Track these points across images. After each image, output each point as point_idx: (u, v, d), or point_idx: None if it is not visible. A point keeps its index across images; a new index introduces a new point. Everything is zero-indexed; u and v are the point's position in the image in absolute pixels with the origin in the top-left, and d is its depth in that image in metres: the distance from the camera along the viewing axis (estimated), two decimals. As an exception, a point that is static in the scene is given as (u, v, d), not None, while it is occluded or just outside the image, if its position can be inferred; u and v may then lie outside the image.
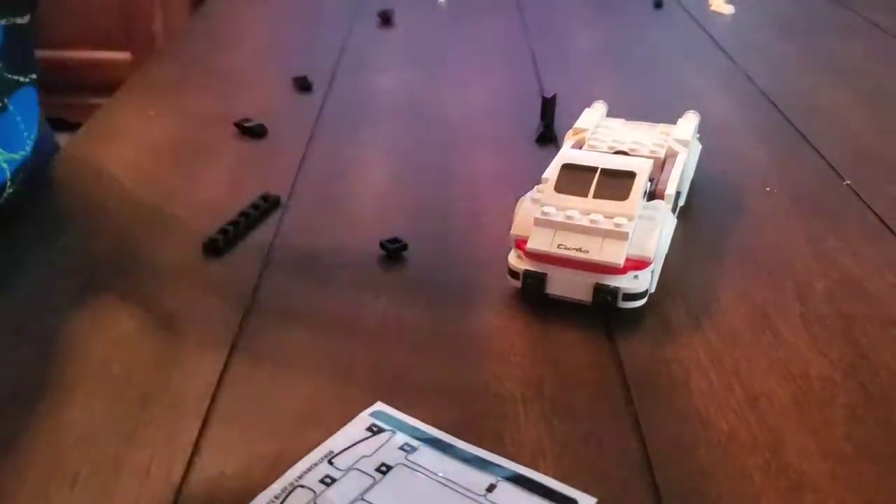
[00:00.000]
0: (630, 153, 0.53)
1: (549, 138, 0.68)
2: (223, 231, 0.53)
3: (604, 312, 0.46)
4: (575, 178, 0.46)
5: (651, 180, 0.50)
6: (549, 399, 0.40)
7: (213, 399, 0.40)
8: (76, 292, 0.48)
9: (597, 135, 0.56)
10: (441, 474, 0.35)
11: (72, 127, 0.69)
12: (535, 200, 0.48)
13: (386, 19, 1.00)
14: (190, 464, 0.36)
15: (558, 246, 0.45)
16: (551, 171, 0.48)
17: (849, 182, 0.62)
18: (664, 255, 0.49)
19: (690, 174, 0.57)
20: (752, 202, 0.59)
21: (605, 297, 0.44)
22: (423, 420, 0.38)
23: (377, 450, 0.36)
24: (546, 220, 0.45)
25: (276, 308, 0.47)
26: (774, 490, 0.35)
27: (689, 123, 0.58)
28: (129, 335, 0.44)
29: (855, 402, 0.40)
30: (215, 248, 0.52)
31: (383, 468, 0.35)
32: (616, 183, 0.46)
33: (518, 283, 0.47)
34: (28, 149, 0.56)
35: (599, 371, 0.42)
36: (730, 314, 0.47)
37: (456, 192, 0.60)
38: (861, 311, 0.47)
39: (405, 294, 0.48)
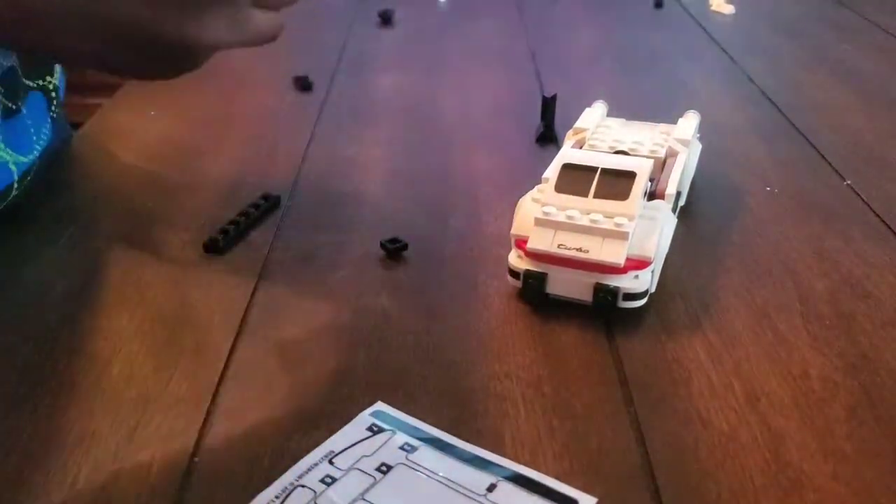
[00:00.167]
0: (630, 153, 0.53)
1: (549, 138, 0.68)
2: (224, 230, 0.53)
3: (604, 312, 0.46)
4: (575, 178, 0.46)
5: (651, 180, 0.50)
6: (550, 399, 0.40)
7: (214, 399, 0.40)
8: (77, 291, 0.48)
9: (597, 134, 0.56)
10: (441, 474, 0.35)
11: (72, 127, 0.69)
12: (535, 200, 0.48)
13: (386, 19, 1.00)
14: (190, 464, 0.36)
15: (559, 246, 0.45)
16: (552, 171, 0.48)
17: (849, 182, 0.62)
18: (664, 255, 0.49)
19: (691, 174, 0.57)
20: (753, 202, 0.59)
21: (606, 297, 0.44)
22: (424, 420, 0.38)
23: (377, 449, 0.36)
24: (546, 219, 0.45)
25: (277, 307, 0.47)
26: (775, 490, 0.35)
27: (689, 123, 0.58)
28: (130, 334, 0.44)
29: (855, 402, 0.40)
30: (216, 247, 0.52)
31: (384, 468, 0.35)
32: (616, 183, 0.46)
33: (518, 283, 0.47)
34: (36, 152, 0.57)
35: (599, 371, 0.42)
36: (730, 314, 0.47)
37: (456, 192, 0.60)
38: (861, 311, 0.47)
39: (405, 294, 0.48)
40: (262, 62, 0.88)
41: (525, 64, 0.88)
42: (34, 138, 0.56)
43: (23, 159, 0.55)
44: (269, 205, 0.57)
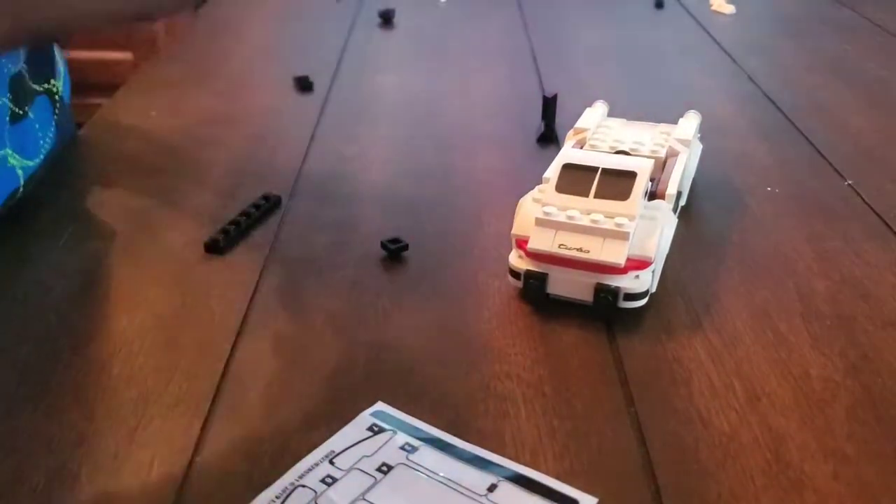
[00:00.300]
0: (631, 153, 0.53)
1: (549, 138, 0.68)
2: (224, 230, 0.53)
3: (605, 312, 0.46)
4: (576, 178, 0.46)
5: (652, 180, 0.50)
6: (550, 399, 0.40)
7: (214, 399, 0.40)
8: (77, 291, 0.48)
9: (598, 134, 0.56)
10: (442, 474, 0.35)
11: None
12: (536, 200, 0.48)
13: (387, 19, 1.00)
14: (191, 463, 0.36)
15: (559, 246, 0.44)
16: (552, 171, 0.48)
17: (850, 182, 0.62)
18: (665, 255, 0.49)
19: (691, 174, 0.57)
20: (753, 202, 0.59)
21: (606, 297, 0.44)
22: (424, 420, 0.38)
23: (378, 450, 0.36)
24: (547, 219, 0.45)
25: (277, 307, 0.47)
26: (775, 490, 0.35)
27: (690, 123, 0.58)
28: (131, 334, 0.44)
29: (856, 402, 0.40)
30: (217, 247, 0.52)
31: (384, 468, 0.35)
32: (617, 183, 0.46)
33: (519, 283, 0.47)
34: (42, 156, 0.57)
35: (600, 371, 0.42)
36: (731, 314, 0.47)
37: (457, 192, 0.60)
38: (862, 311, 0.47)
39: (406, 294, 0.48)
40: (262, 62, 0.88)
41: (526, 64, 0.88)
42: (40, 142, 0.57)
43: (29, 163, 0.55)
44: (269, 205, 0.57)
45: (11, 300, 0.47)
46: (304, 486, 0.34)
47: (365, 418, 0.38)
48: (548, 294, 0.46)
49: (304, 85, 0.79)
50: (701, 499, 0.35)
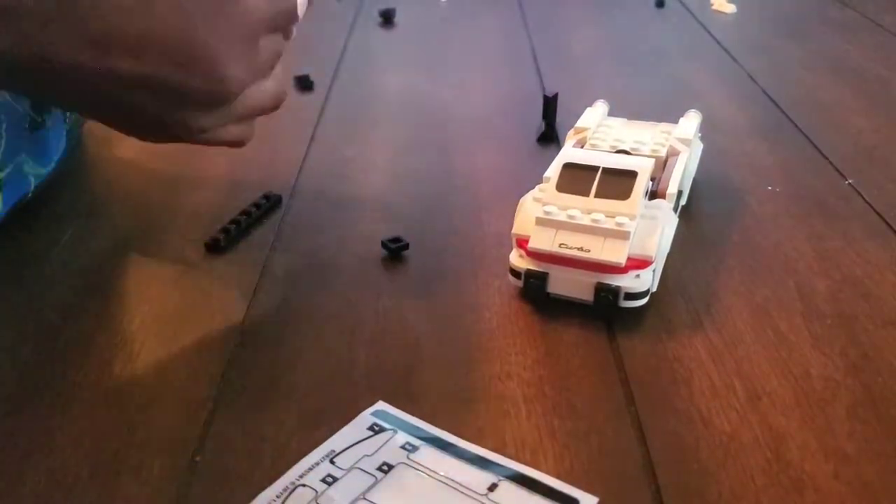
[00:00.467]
0: (632, 152, 0.53)
1: (550, 137, 0.68)
2: (225, 230, 0.53)
3: (605, 312, 0.46)
4: (576, 178, 0.46)
5: (653, 179, 0.50)
6: (551, 398, 0.40)
7: (215, 398, 0.40)
8: (78, 291, 0.48)
9: (598, 134, 0.56)
10: (442, 473, 0.35)
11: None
12: (536, 200, 0.48)
13: (387, 18, 1.00)
14: (192, 463, 0.36)
15: (560, 245, 0.45)
16: (553, 171, 0.48)
17: (851, 181, 0.62)
18: (666, 255, 0.49)
19: (692, 173, 0.57)
20: (754, 201, 0.59)
21: (607, 297, 0.44)
22: (425, 419, 0.38)
23: (378, 449, 0.36)
24: (548, 219, 0.45)
25: (278, 307, 0.47)
26: (776, 490, 0.35)
27: (690, 122, 0.58)
28: (131, 334, 0.44)
29: (857, 401, 0.40)
30: (217, 246, 0.52)
31: (385, 467, 0.35)
32: (618, 182, 0.46)
33: (520, 283, 0.47)
34: (54, 163, 0.57)
35: (601, 370, 0.42)
36: (731, 313, 0.47)
37: (457, 192, 0.60)
38: (863, 311, 0.47)
39: (406, 293, 0.48)
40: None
41: (526, 63, 0.88)
42: (53, 150, 0.57)
43: (42, 171, 0.55)
44: (270, 204, 0.57)
45: (12, 299, 0.47)
46: (304, 485, 0.34)
47: (365, 417, 0.38)
48: (548, 293, 0.46)
49: (304, 84, 0.79)
50: (701, 498, 0.35)
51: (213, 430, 0.38)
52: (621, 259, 0.44)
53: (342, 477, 0.35)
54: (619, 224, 0.44)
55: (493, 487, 0.34)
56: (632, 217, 0.44)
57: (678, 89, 0.81)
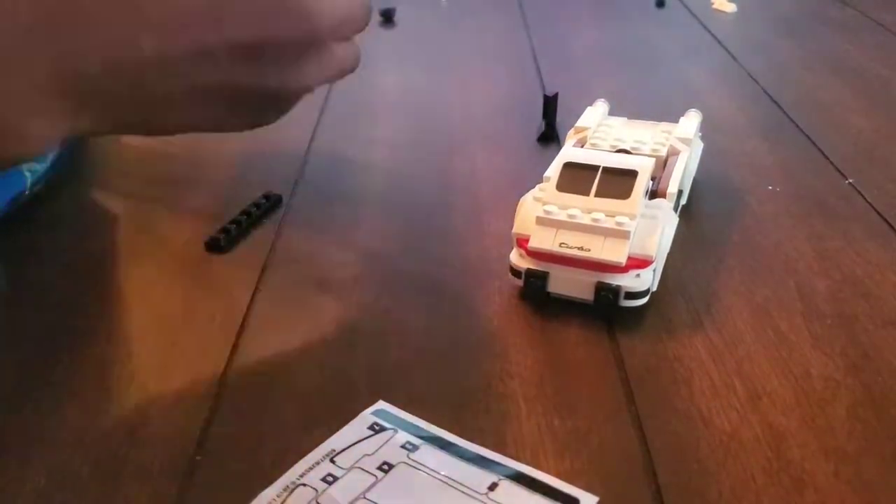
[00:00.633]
0: (632, 152, 0.53)
1: (550, 137, 0.68)
2: (225, 229, 0.53)
3: (605, 311, 0.46)
4: (577, 177, 0.46)
5: (653, 179, 0.50)
6: (551, 397, 0.40)
7: (216, 398, 0.40)
8: (77, 291, 0.48)
9: (598, 133, 0.56)
10: (443, 473, 0.35)
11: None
12: (536, 199, 0.48)
13: (388, 18, 1.00)
14: (192, 463, 0.36)
15: (560, 244, 0.45)
16: (553, 170, 0.48)
17: (851, 181, 0.62)
18: (666, 254, 0.48)
19: (692, 173, 0.57)
20: (754, 201, 0.59)
21: (607, 296, 0.44)
22: (425, 418, 0.38)
23: (379, 448, 0.36)
24: (548, 218, 0.45)
25: (278, 306, 0.47)
26: (776, 489, 0.35)
27: (690, 122, 0.58)
28: (131, 333, 0.44)
29: (857, 401, 0.40)
30: (217, 246, 0.52)
31: (385, 467, 0.35)
32: (618, 181, 0.46)
33: (520, 282, 0.47)
34: (49, 160, 0.57)
35: (601, 370, 0.42)
36: (731, 313, 0.47)
37: (457, 191, 0.60)
38: (863, 310, 0.47)
39: (407, 292, 0.48)
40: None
41: (526, 62, 0.87)
42: None
43: (37, 167, 0.55)
44: (270, 204, 0.57)
45: (12, 299, 0.47)
46: (305, 484, 0.34)
47: (366, 417, 0.38)
48: (549, 293, 0.46)
49: None
50: (702, 498, 0.35)
51: (213, 430, 0.38)
52: (621, 258, 0.44)
53: (342, 476, 0.35)
54: (619, 223, 0.44)
55: (493, 487, 0.34)
56: (632, 216, 0.44)
57: (678, 89, 0.81)
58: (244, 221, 0.54)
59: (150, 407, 0.39)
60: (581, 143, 0.55)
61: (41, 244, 0.53)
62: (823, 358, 0.43)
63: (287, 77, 0.36)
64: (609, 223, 0.44)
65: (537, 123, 0.69)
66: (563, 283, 0.45)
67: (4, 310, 0.46)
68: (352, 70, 0.41)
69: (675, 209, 0.51)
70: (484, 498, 0.34)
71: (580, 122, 0.58)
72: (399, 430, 0.37)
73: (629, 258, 0.44)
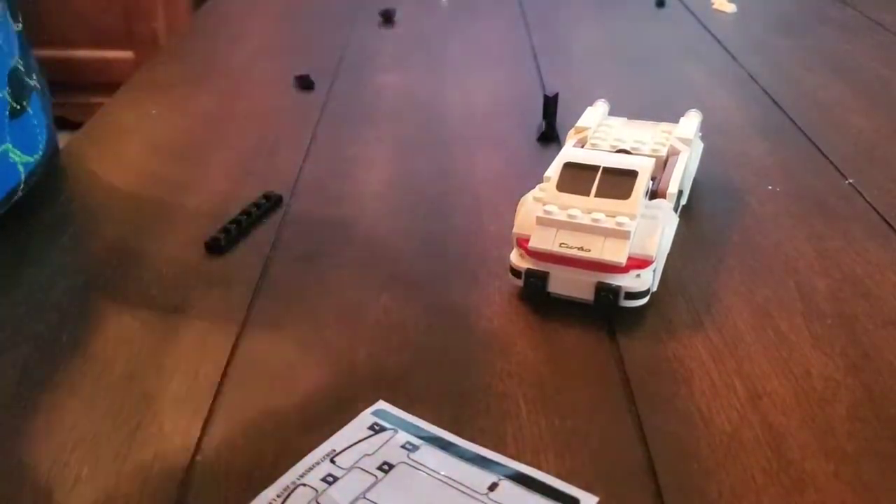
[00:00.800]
0: (632, 152, 0.53)
1: (550, 137, 0.68)
2: (225, 229, 0.53)
3: (606, 311, 0.46)
4: (577, 177, 0.46)
5: (653, 179, 0.50)
6: (551, 398, 0.40)
7: (215, 398, 0.40)
8: (78, 291, 0.48)
9: (599, 133, 0.56)
10: (443, 473, 0.35)
11: (74, 126, 0.70)
12: (537, 199, 0.48)
13: (388, 18, 1.00)
14: (192, 463, 0.36)
15: (560, 245, 0.45)
16: (553, 170, 0.48)
17: (851, 181, 0.62)
18: (666, 254, 0.49)
19: (692, 173, 0.57)
20: (754, 201, 0.59)
21: (607, 296, 0.44)
22: (425, 419, 0.38)
23: (379, 448, 0.36)
24: (548, 218, 0.45)
25: (278, 306, 0.47)
26: (776, 489, 0.35)
27: (691, 122, 0.58)
28: (131, 334, 0.45)
29: (857, 401, 0.40)
30: (217, 246, 0.52)
31: (385, 467, 0.35)
32: (618, 182, 0.46)
33: (520, 282, 0.47)
34: (41, 152, 0.57)
35: (601, 370, 0.42)
36: (732, 313, 0.47)
37: (457, 191, 0.60)
38: (863, 310, 0.47)
39: (407, 292, 0.48)
40: (263, 61, 0.88)
41: (527, 63, 0.88)
42: (38, 138, 0.57)
43: (29, 159, 0.55)
44: (270, 204, 0.57)
45: (12, 299, 0.47)
46: (305, 484, 0.34)
47: (366, 417, 0.38)
48: (549, 293, 0.46)
49: (304, 84, 0.79)
50: (702, 498, 0.35)
51: (213, 430, 0.38)
52: (622, 258, 0.44)
53: (343, 476, 0.35)
54: (619, 223, 0.44)
55: (493, 487, 0.34)
56: (632, 217, 0.44)
57: (678, 89, 0.81)
58: (244, 221, 0.54)
59: (149, 407, 0.39)
60: (581, 144, 0.55)
61: (41, 244, 0.53)
62: (823, 358, 0.43)
63: None
64: (609, 223, 0.44)
65: (537, 123, 0.69)
66: (564, 284, 0.45)
67: (4, 310, 0.46)
68: None
69: (676, 209, 0.51)
70: (484, 498, 0.34)
71: (580, 123, 0.58)
72: (399, 430, 0.37)
73: (629, 258, 0.44)
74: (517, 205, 0.49)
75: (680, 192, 0.52)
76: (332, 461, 0.35)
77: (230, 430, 0.38)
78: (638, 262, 0.44)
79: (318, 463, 0.35)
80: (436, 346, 0.44)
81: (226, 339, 0.44)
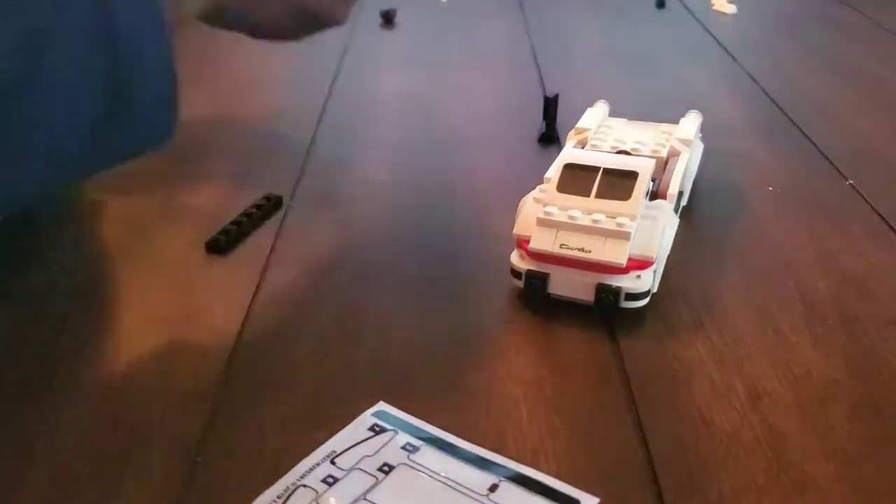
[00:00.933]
0: (632, 153, 0.53)
1: (551, 138, 0.68)
2: (226, 230, 0.53)
3: (606, 312, 0.46)
4: (577, 178, 0.46)
5: (653, 180, 0.50)
6: (551, 399, 0.40)
7: (216, 399, 0.40)
8: (79, 292, 0.48)
9: (599, 134, 0.56)
10: (443, 474, 0.35)
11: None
12: (537, 200, 0.48)
13: (388, 19, 1.00)
14: (193, 463, 0.36)
15: (560, 246, 0.45)
16: (553, 171, 0.48)
17: (851, 182, 0.62)
18: (666, 255, 0.48)
19: (693, 174, 0.57)
20: (755, 202, 0.59)
21: (608, 297, 0.44)
22: (426, 420, 0.38)
23: (379, 449, 0.36)
24: (548, 219, 0.45)
25: (279, 308, 0.47)
26: (777, 490, 0.35)
27: (691, 123, 0.58)
28: (132, 334, 0.44)
29: (857, 401, 0.40)
30: (218, 247, 0.52)
31: (385, 468, 0.35)
32: (618, 183, 0.46)
33: (520, 283, 0.47)
34: None
35: (601, 371, 0.42)
36: (732, 314, 0.47)
37: (458, 192, 0.60)
38: (864, 311, 0.47)
39: (407, 293, 0.48)
40: (263, 62, 0.88)
41: (527, 64, 0.88)
42: None
43: None
44: (271, 205, 0.57)
45: (13, 300, 0.47)
46: (305, 485, 0.34)
47: (366, 418, 0.38)
48: (549, 294, 0.46)
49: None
50: (702, 498, 0.35)
51: (213, 431, 0.38)
52: (622, 259, 0.44)
53: (343, 478, 0.35)
54: (619, 224, 0.44)
55: (493, 488, 0.34)
56: (632, 218, 0.44)
57: (679, 90, 0.81)
58: (245, 222, 0.54)
59: (150, 408, 0.39)
60: (582, 144, 0.55)
61: (43, 245, 0.53)
62: (824, 358, 0.43)
63: (342, 13, 0.52)
64: (609, 224, 0.44)
65: (538, 124, 0.69)
66: (564, 285, 0.45)
67: (5, 311, 0.46)
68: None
69: (676, 210, 0.51)
70: (484, 499, 0.34)
71: (581, 123, 0.58)
72: (399, 432, 0.37)
73: (630, 259, 0.44)
74: (517, 206, 0.49)
75: (680, 193, 0.52)
76: (333, 462, 0.35)
77: (231, 431, 0.38)
78: (638, 263, 0.44)
79: (318, 464, 0.35)
80: (436, 348, 0.44)
81: (226, 340, 0.44)
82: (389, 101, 0.78)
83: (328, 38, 0.94)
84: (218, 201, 0.58)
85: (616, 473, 0.36)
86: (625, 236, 0.44)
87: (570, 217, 0.45)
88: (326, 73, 0.84)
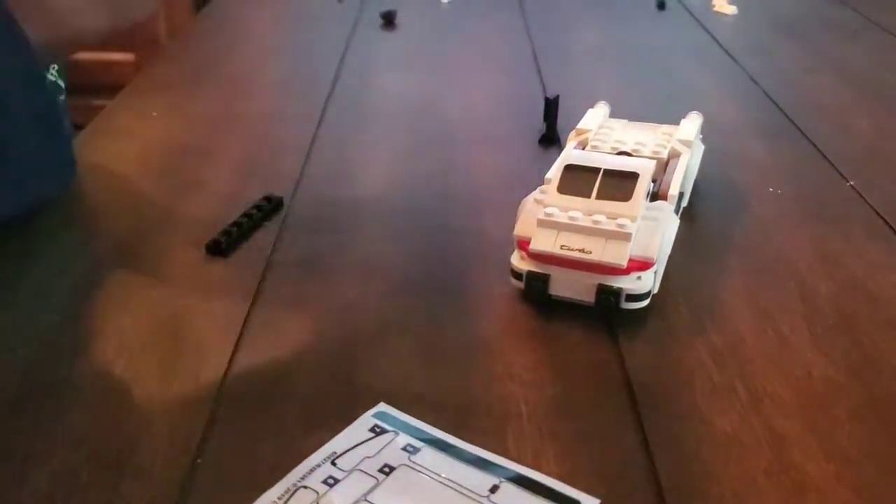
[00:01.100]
0: (633, 154, 0.53)
1: (551, 139, 0.68)
2: (226, 232, 0.53)
3: (607, 313, 0.46)
4: (578, 179, 0.46)
5: (654, 181, 0.50)
6: (552, 400, 0.40)
7: (217, 400, 0.40)
8: (79, 293, 0.48)
9: (599, 135, 0.56)
10: (444, 475, 0.35)
11: (75, 128, 0.70)
12: (537, 201, 0.48)
13: (388, 20, 1.00)
14: (193, 465, 0.36)
15: (561, 247, 0.44)
16: (554, 172, 0.48)
17: (852, 183, 0.62)
18: (667, 256, 0.48)
19: (693, 175, 0.57)
20: (756, 203, 0.59)
21: (609, 298, 0.44)
22: (426, 421, 0.38)
23: (380, 451, 0.36)
24: (549, 220, 0.45)
25: (279, 309, 0.47)
26: (778, 491, 0.35)
27: (691, 124, 0.57)
28: (132, 335, 0.44)
29: (859, 403, 0.40)
30: (218, 248, 0.52)
31: (386, 469, 0.35)
32: (619, 184, 0.46)
33: (521, 284, 0.46)
34: None
35: (602, 372, 0.42)
36: (733, 315, 0.47)
37: (458, 193, 0.60)
38: (865, 312, 0.47)
39: (408, 294, 0.48)
40: (264, 63, 0.88)
41: (527, 65, 0.88)
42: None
43: None
44: (271, 206, 0.57)
45: (15, 299, 0.47)
46: (305, 487, 0.34)
47: (367, 419, 0.38)
48: (550, 295, 0.46)
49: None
50: (703, 500, 0.35)
51: (214, 433, 0.38)
52: (623, 261, 0.44)
53: (343, 479, 0.35)
54: (620, 226, 0.44)
55: (494, 489, 0.34)
56: (633, 219, 0.44)
57: (679, 91, 0.81)
58: (245, 223, 0.54)
59: (150, 410, 0.39)
60: (582, 145, 0.55)
61: (43, 245, 0.53)
62: (825, 360, 0.43)
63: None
64: (610, 225, 0.44)
65: (538, 125, 0.69)
66: (564, 286, 0.45)
67: (5, 311, 0.46)
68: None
69: (677, 211, 0.51)
70: (485, 500, 0.34)
71: (581, 124, 0.58)
72: (400, 433, 0.37)
73: (630, 260, 0.44)
74: (518, 207, 0.49)
75: (681, 194, 0.52)
76: (333, 463, 0.35)
77: (231, 432, 0.38)
78: (639, 264, 0.44)
79: (319, 465, 0.35)
80: (437, 349, 0.44)
81: (227, 341, 0.44)
82: (390, 101, 0.78)
83: (329, 40, 0.94)
84: (218, 202, 0.58)
85: (617, 474, 0.36)
86: (625, 237, 0.44)
87: (571, 218, 0.45)
88: (327, 73, 0.84)
